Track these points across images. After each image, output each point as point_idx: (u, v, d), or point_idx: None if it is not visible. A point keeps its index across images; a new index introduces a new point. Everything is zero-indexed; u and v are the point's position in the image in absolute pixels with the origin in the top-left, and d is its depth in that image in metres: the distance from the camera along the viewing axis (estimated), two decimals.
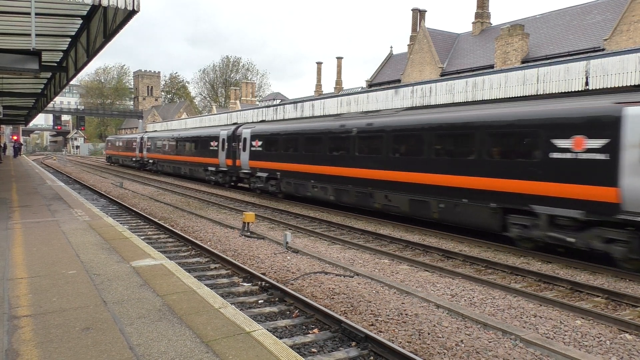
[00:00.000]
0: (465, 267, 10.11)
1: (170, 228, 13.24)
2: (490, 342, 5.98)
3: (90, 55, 11.91)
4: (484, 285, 8.60)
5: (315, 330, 6.42)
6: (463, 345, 5.88)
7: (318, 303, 7.24)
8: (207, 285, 6.94)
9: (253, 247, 11.13)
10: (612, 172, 9.22)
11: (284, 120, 24.84)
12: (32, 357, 3.79)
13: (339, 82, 59.73)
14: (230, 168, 25.49)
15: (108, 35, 10.06)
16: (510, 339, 6.09)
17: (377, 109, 19.30)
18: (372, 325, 6.54)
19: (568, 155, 9.96)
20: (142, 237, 11.82)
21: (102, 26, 10.30)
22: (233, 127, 25.64)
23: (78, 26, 11.92)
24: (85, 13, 10.81)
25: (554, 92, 13.11)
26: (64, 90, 22.07)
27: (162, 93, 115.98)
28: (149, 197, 21.32)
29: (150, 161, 40.40)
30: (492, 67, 32.51)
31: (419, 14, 46.31)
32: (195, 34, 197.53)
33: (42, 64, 9.80)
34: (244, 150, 23.50)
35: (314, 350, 5.83)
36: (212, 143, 27.48)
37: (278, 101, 59.87)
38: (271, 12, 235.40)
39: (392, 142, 14.66)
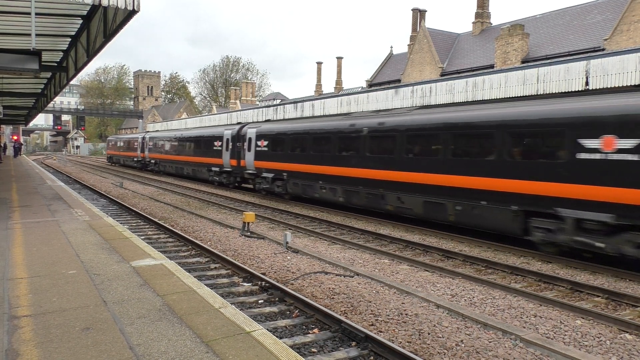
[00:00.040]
0: (466, 267, 10.11)
1: (171, 228, 13.24)
2: (490, 342, 5.98)
3: (90, 55, 11.91)
4: (484, 285, 8.60)
5: (315, 330, 6.42)
6: (463, 345, 5.88)
7: (318, 303, 7.24)
8: (207, 285, 6.94)
9: (253, 247, 11.13)
10: None
11: (291, 119, 24.18)
12: (32, 357, 3.79)
13: (339, 82, 59.73)
14: (234, 168, 25.01)
15: (108, 35, 10.06)
16: (511, 339, 6.09)
17: (378, 108, 19.25)
18: (372, 325, 6.54)
19: (597, 156, 9.45)
20: (142, 237, 11.82)
21: (102, 26, 10.30)
22: (237, 127, 25.17)
23: (78, 26, 11.91)
24: (85, 13, 10.81)
25: (554, 92, 13.11)
26: (64, 90, 22.07)
27: (162, 93, 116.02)
28: (149, 197, 21.32)
29: (152, 161, 39.86)
30: (492, 67, 32.51)
31: (419, 14, 46.30)
32: (195, 34, 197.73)
33: (42, 63, 9.80)
34: (249, 150, 23.03)
35: (314, 350, 5.82)
36: (215, 143, 26.99)
37: (278, 101, 59.87)
38: (271, 12, 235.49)
39: (406, 142, 14.13)
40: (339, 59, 60.41)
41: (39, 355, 3.82)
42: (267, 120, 26.05)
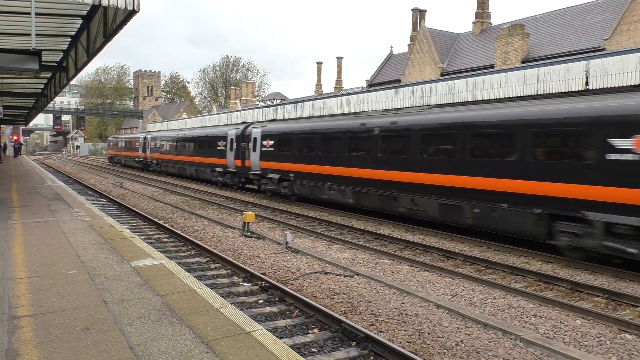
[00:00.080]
0: (466, 267, 10.11)
1: (171, 228, 13.24)
2: (490, 342, 5.98)
3: (91, 55, 11.91)
4: (484, 285, 8.60)
5: (315, 330, 6.42)
6: (463, 345, 5.88)
7: (318, 303, 7.24)
8: (207, 285, 6.94)
9: (253, 247, 11.13)
10: None
11: (298, 119, 23.61)
12: (32, 357, 3.79)
13: (339, 82, 59.73)
14: (239, 169, 24.56)
15: (108, 35, 10.06)
16: (511, 338, 6.09)
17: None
18: (372, 325, 6.54)
19: (629, 157, 8.97)
20: (142, 237, 11.82)
21: (102, 26, 10.30)
22: (242, 127, 24.72)
23: (78, 26, 11.92)
24: (85, 13, 10.81)
25: (554, 92, 13.11)
26: (64, 90, 22.07)
27: (162, 93, 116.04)
28: (149, 197, 21.32)
29: (154, 161, 39.36)
30: (492, 67, 32.51)
31: (419, 14, 46.31)
32: (196, 34, 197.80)
33: (42, 63, 9.80)
34: (254, 150, 22.56)
35: (314, 350, 5.82)
36: (219, 143, 26.51)
37: (278, 101, 59.88)
38: (271, 12, 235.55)
39: (420, 142, 13.62)
40: (339, 59, 60.42)
41: (39, 355, 3.82)
42: (273, 120, 25.52)
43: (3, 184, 18.29)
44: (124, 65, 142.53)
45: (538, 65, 14.16)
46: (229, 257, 10.04)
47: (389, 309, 7.03)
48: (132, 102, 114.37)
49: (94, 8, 10.04)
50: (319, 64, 65.44)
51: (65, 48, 14.30)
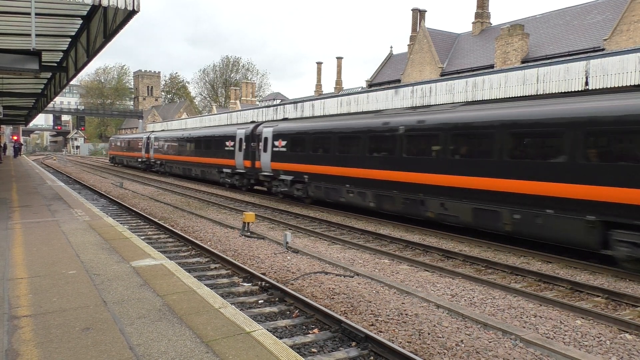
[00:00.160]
0: (466, 267, 10.11)
1: (171, 228, 13.24)
2: (490, 342, 5.98)
3: (90, 55, 11.92)
4: (484, 285, 8.60)
5: (315, 330, 6.42)
6: (463, 345, 5.88)
7: (318, 303, 7.24)
8: (207, 285, 6.94)
9: (253, 247, 11.13)
10: None
11: (312, 117, 22.58)
12: (32, 357, 3.79)
13: (339, 82, 59.75)
14: (248, 170, 23.64)
15: (108, 36, 10.06)
16: (511, 339, 6.09)
17: (378, 108, 19.20)
18: (372, 325, 6.55)
19: None
20: (142, 237, 11.83)
21: (102, 26, 10.31)
22: (252, 126, 23.83)
23: (78, 26, 11.92)
24: (85, 13, 10.82)
25: (554, 92, 13.11)
26: (64, 90, 22.05)
27: (162, 93, 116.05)
28: (149, 197, 21.32)
29: (158, 162, 38.26)
30: (492, 67, 32.52)
31: (419, 14, 46.31)
32: (195, 34, 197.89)
33: (42, 64, 9.80)
34: (265, 150, 21.65)
35: (314, 350, 5.83)
36: (227, 143, 25.55)
37: (278, 101, 59.89)
38: (271, 12, 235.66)
39: (452, 142, 12.69)
40: (339, 59, 60.44)
41: (39, 356, 3.82)
42: (285, 119, 24.59)
43: (3, 184, 18.29)
44: (124, 65, 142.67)
45: (538, 66, 14.17)
46: (229, 257, 10.04)
47: (389, 309, 7.04)
48: (132, 102, 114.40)
49: (94, 8, 10.05)
50: (319, 64, 65.48)
51: (65, 48, 14.31)
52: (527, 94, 13.83)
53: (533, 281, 9.04)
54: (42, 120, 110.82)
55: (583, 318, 7.05)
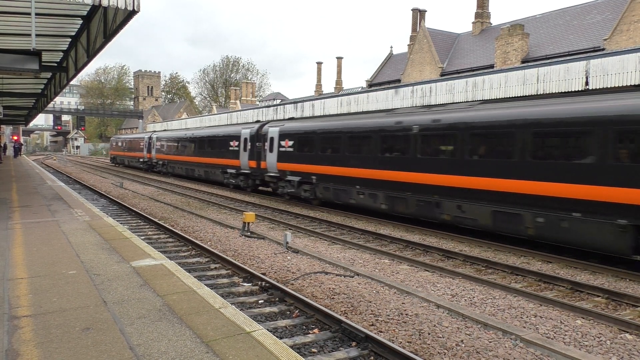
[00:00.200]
0: (466, 267, 10.11)
1: (171, 228, 13.24)
2: (490, 342, 5.98)
3: (91, 55, 11.92)
4: (484, 285, 8.60)
5: (316, 330, 6.42)
6: (463, 345, 5.88)
7: (318, 303, 7.24)
8: (207, 285, 6.94)
9: (253, 247, 11.13)
10: None
11: (320, 117, 21.94)
12: (32, 357, 3.79)
13: (339, 82, 59.75)
14: (253, 170, 23.14)
15: (108, 36, 10.06)
16: (511, 338, 6.09)
17: (378, 108, 19.19)
18: (372, 325, 6.54)
19: None
20: (142, 237, 11.82)
21: (102, 26, 10.31)
22: (257, 125, 23.37)
23: (78, 26, 11.92)
24: (85, 13, 10.82)
25: (554, 92, 13.11)
26: (64, 90, 22.05)
27: (162, 93, 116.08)
28: (149, 197, 21.32)
29: (160, 162, 37.63)
30: (492, 67, 32.52)
31: (419, 14, 46.32)
32: (196, 34, 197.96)
33: (42, 64, 9.79)
34: (271, 150, 21.20)
35: (314, 350, 5.82)
36: (232, 143, 25.04)
37: (278, 101, 59.90)
38: (271, 12, 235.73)
39: (470, 142, 12.26)
40: (339, 59, 60.44)
41: (39, 356, 3.82)
42: (291, 119, 24.07)
43: (3, 184, 18.29)
44: (124, 65, 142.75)
45: (538, 65, 14.16)
46: (229, 257, 10.04)
47: (389, 309, 7.03)
48: (132, 103, 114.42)
49: (94, 8, 10.05)
50: (319, 64, 65.48)
51: (65, 48, 14.31)
52: (527, 94, 13.82)
53: (533, 281, 9.04)
54: (42, 120, 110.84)
55: (583, 318, 7.05)
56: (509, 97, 14.01)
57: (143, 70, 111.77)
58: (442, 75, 36.51)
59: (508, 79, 14.56)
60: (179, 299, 5.23)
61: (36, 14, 8.76)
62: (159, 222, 14.29)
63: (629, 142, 9.27)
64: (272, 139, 21.31)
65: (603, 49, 26.13)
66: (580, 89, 12.49)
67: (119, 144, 51.13)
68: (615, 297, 7.98)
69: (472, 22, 41.33)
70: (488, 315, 6.91)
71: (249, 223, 12.80)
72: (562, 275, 9.21)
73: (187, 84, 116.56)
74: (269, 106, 29.77)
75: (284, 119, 24.58)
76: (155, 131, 44.01)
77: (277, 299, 7.69)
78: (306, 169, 18.83)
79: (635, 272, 9.17)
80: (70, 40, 13.24)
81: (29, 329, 4.33)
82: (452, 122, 12.87)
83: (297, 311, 7.12)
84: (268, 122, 23.87)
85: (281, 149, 20.52)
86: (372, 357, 5.66)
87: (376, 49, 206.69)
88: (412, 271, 9.53)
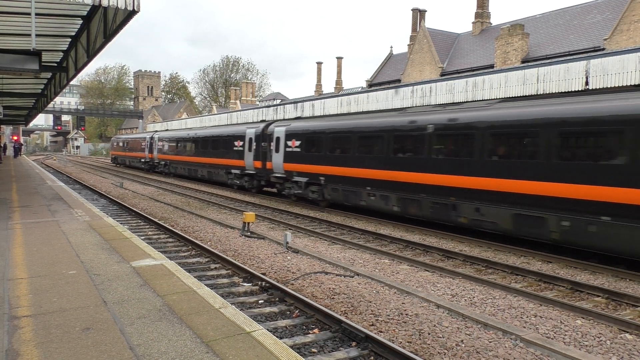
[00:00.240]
0: (466, 267, 10.11)
1: (171, 228, 13.24)
2: (490, 342, 5.98)
3: (91, 55, 11.92)
4: (485, 285, 8.60)
5: (316, 330, 6.42)
6: (463, 345, 5.88)
7: (318, 303, 7.24)
8: (207, 285, 6.94)
9: (253, 247, 11.13)
10: None
11: (329, 116, 21.32)
12: (33, 357, 3.79)
13: (339, 82, 59.77)
14: (258, 171, 22.70)
15: (108, 36, 10.06)
16: (511, 338, 6.09)
17: (378, 108, 19.18)
18: (372, 325, 6.54)
19: None
20: (142, 237, 11.83)
21: (102, 26, 10.31)
22: (262, 125, 22.92)
23: (78, 26, 11.92)
24: (85, 13, 10.82)
25: (554, 92, 13.11)
26: (64, 90, 22.05)
27: (162, 93, 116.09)
28: (149, 197, 21.32)
29: (162, 163, 37.17)
30: (492, 67, 32.53)
31: (419, 14, 46.33)
32: (196, 34, 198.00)
33: (42, 64, 9.79)
34: (277, 151, 20.78)
35: (314, 350, 5.82)
36: (236, 143, 24.63)
37: (278, 101, 59.91)
38: (271, 12, 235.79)
39: (490, 142, 11.82)
40: (339, 59, 60.45)
41: (39, 356, 3.82)
42: (298, 118, 23.58)
43: (3, 184, 18.29)
44: (124, 65, 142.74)
45: (538, 65, 14.16)
46: (229, 257, 10.04)
47: (389, 309, 7.03)
48: (132, 103, 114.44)
49: (94, 8, 10.05)
50: (319, 64, 65.50)
51: (65, 48, 14.31)
52: (527, 94, 13.82)
53: (533, 281, 9.04)
54: (42, 120, 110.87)
55: (583, 318, 7.05)
56: (532, 95, 13.35)
57: (143, 70, 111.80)
58: (442, 75, 36.51)
59: (508, 79, 14.56)
60: (179, 299, 5.23)
61: (36, 14, 8.76)
62: (159, 222, 14.29)
63: None
64: (278, 138, 20.90)
65: (603, 49, 26.13)
66: (580, 89, 12.49)
67: (120, 144, 50.67)
68: (615, 297, 7.98)
69: (472, 22, 41.34)
70: (488, 315, 6.92)
71: (249, 223, 12.80)
72: (562, 275, 9.21)
73: (187, 84, 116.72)
74: (269, 106, 29.75)
75: (290, 119, 24.05)
76: (157, 131, 43.44)
77: (277, 299, 7.69)
78: (314, 170, 18.41)
79: (635, 272, 9.17)
80: (70, 40, 13.25)
81: (29, 329, 4.34)
82: (470, 121, 12.42)
83: (297, 311, 7.12)
84: (274, 121, 23.42)
85: (288, 149, 20.09)
86: (372, 357, 5.66)
87: (376, 49, 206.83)
88: (412, 271, 9.53)
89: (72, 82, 20.28)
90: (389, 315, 6.80)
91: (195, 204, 19.63)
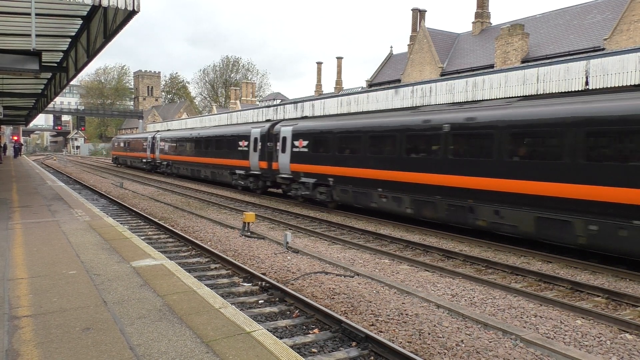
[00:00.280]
0: (466, 267, 10.11)
1: (171, 228, 13.24)
2: (490, 342, 5.98)
3: (91, 55, 11.92)
4: (485, 285, 8.60)
5: (316, 330, 6.42)
6: (463, 345, 5.88)
7: (318, 303, 7.24)
8: (207, 285, 6.94)
9: (253, 247, 11.13)
10: None
11: (338, 115, 20.78)
12: (33, 357, 3.79)
13: (339, 82, 59.77)
14: (264, 172, 22.30)
15: (108, 36, 10.07)
16: (511, 338, 6.09)
17: (378, 108, 19.16)
18: (372, 325, 6.55)
19: None
20: (143, 237, 11.83)
21: (102, 26, 10.31)
22: (267, 125, 22.49)
23: (78, 26, 11.92)
24: (85, 13, 10.82)
25: (554, 92, 13.10)
26: (64, 90, 22.04)
27: (163, 93, 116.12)
28: (149, 197, 21.33)
29: (164, 163, 36.70)
30: (492, 67, 32.53)
31: (419, 14, 46.33)
32: (196, 34, 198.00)
33: (42, 64, 9.80)
34: (283, 151, 20.29)
35: (314, 350, 5.83)
36: (241, 143, 24.11)
37: (278, 101, 59.92)
38: (271, 12, 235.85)
39: (510, 142, 11.36)
40: (339, 59, 60.46)
41: (39, 356, 3.82)
42: (305, 117, 23.15)
43: (3, 185, 18.29)
44: (124, 65, 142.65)
45: (538, 65, 14.16)
46: (229, 257, 10.04)
47: (389, 309, 7.04)
48: (132, 103, 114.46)
49: (94, 8, 10.05)
50: (319, 64, 65.50)
51: (65, 48, 14.31)
52: (527, 94, 13.82)
53: (533, 281, 9.04)
54: (42, 120, 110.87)
55: (583, 318, 7.05)
56: (554, 93, 13.03)
57: (143, 71, 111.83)
58: (442, 75, 36.51)
59: (508, 79, 14.57)
60: (179, 299, 5.23)
61: (36, 14, 8.76)
62: (159, 222, 14.29)
63: None
64: (284, 138, 20.40)
65: (603, 49, 26.12)
66: (580, 89, 12.49)
67: (122, 144, 50.25)
68: (615, 297, 7.98)
69: (472, 22, 41.34)
70: (488, 315, 6.92)
71: (249, 223, 12.80)
72: (562, 275, 9.21)
73: (187, 84, 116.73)
74: (269, 106, 29.75)
75: (297, 118, 23.67)
76: (158, 131, 42.96)
77: (277, 299, 7.69)
78: (322, 171, 17.92)
79: (635, 272, 9.17)
80: (70, 40, 13.25)
81: (29, 329, 4.34)
82: (489, 121, 11.93)
83: (297, 311, 7.13)
84: (280, 121, 23.00)
85: (295, 149, 19.60)
86: (372, 357, 5.66)
87: (376, 49, 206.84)
88: (412, 271, 9.53)
89: (72, 82, 20.29)
90: (389, 315, 6.80)
91: (196, 204, 19.63)
